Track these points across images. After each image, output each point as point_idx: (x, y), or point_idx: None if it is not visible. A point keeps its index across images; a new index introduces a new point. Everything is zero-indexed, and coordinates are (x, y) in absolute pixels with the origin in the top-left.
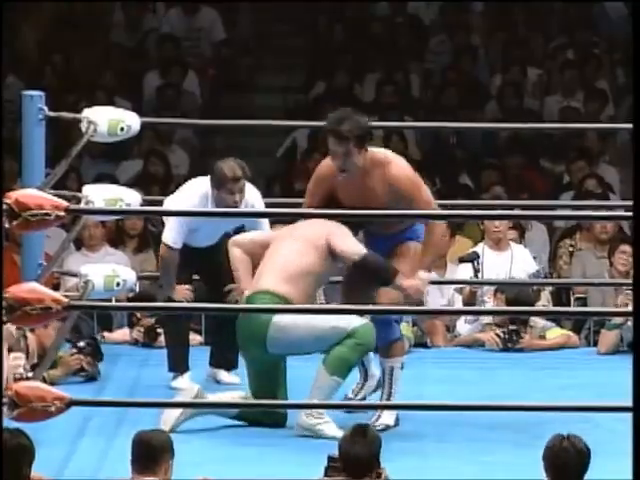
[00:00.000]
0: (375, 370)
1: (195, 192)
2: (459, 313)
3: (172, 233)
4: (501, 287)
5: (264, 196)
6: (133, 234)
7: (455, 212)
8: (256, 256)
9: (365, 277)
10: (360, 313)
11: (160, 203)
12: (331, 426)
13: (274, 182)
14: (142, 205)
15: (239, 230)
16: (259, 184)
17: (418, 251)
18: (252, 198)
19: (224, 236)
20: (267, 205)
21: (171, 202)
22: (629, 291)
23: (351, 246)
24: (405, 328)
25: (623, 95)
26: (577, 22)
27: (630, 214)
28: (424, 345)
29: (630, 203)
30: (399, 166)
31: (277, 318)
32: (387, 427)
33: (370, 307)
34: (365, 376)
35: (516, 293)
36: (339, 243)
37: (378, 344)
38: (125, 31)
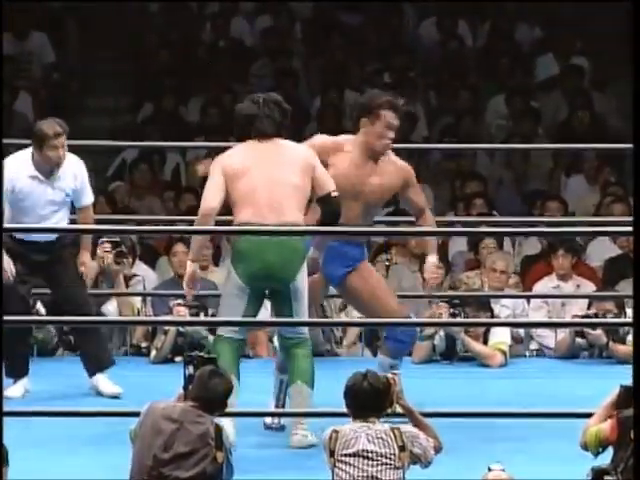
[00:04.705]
0: None
1: (14, 158)
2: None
3: None
4: None
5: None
6: None
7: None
8: None
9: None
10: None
11: None
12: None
13: (99, 198)
14: None
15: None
16: None
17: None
18: (73, 161)
19: (59, 242)
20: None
21: None
22: (442, 303)
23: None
24: None
25: (436, 117)
26: (392, 47)
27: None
28: (246, 356)
29: (442, 218)
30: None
31: (305, 265)
32: None
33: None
34: None
35: None
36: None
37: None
38: None
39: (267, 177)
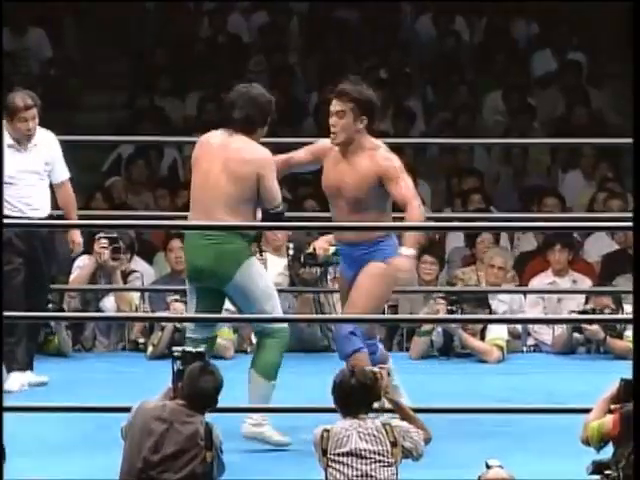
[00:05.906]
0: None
1: None
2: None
3: None
4: None
5: (86, 207)
6: None
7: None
8: None
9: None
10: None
11: None
12: (275, 432)
13: (95, 194)
14: None
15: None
16: (83, 197)
17: (381, 275)
18: (48, 134)
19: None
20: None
21: None
22: (440, 299)
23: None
24: (227, 333)
25: (433, 112)
26: (389, 43)
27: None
28: (244, 351)
29: (439, 214)
30: (387, 152)
31: (246, 265)
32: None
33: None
34: None
35: None
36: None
37: (340, 357)
38: None
39: (205, 186)
